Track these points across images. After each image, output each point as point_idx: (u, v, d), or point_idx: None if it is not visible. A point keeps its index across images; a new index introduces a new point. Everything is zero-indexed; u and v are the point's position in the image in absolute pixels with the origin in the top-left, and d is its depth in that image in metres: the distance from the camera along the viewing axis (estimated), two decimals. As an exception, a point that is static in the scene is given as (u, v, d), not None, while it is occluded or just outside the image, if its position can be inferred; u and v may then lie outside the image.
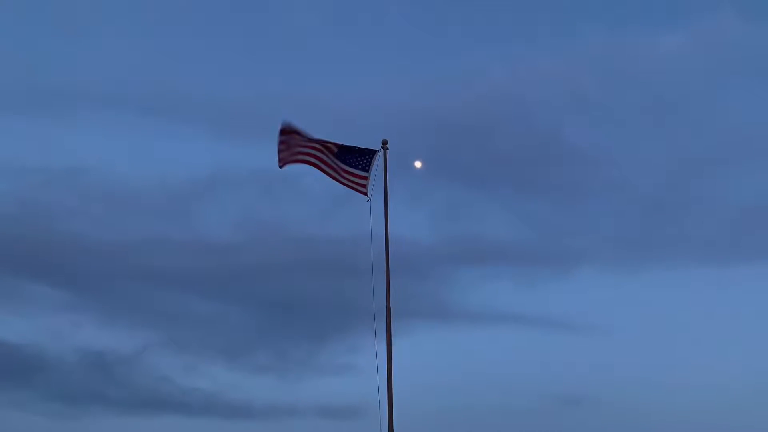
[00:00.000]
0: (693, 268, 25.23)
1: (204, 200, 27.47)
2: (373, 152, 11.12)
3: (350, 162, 11.09)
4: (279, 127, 11.23)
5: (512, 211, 28.04)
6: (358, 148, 11.18)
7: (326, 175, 11.29)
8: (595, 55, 29.38)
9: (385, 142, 11.18)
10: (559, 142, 28.40)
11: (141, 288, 25.74)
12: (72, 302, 25.55)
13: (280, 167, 11.36)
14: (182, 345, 25.15)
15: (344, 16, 32.59)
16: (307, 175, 12.33)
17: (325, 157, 11.21)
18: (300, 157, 11.32)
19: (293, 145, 11.25)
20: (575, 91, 29.30)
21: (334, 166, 11.15)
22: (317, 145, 11.22)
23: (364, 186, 11.00)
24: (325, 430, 23.85)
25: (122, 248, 25.79)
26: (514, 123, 28.60)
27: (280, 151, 11.24)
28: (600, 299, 24.86)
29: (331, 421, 23.08)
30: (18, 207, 25.14)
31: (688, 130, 29.12)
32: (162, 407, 23.70)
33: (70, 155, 27.13)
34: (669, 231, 27.61)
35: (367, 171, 11.01)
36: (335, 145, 11.18)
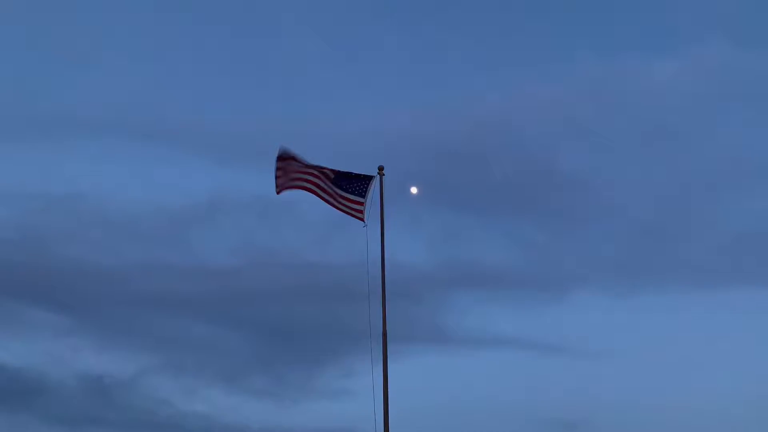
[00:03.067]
0: (688, 293, 25.41)
1: (202, 225, 27.68)
2: (369, 178, 11.29)
3: (347, 188, 11.26)
4: (276, 154, 11.43)
5: (509, 236, 28.23)
6: (355, 174, 11.36)
7: (323, 201, 11.46)
8: (590, 81, 29.79)
9: (381, 168, 11.35)
10: (555, 168, 28.68)
11: (139, 312, 25.79)
12: (71, 327, 25.56)
13: (278, 193, 11.53)
14: (180, 369, 25.28)
15: (343, 44, 33.07)
16: (305, 201, 12.51)
17: (321, 183, 11.39)
18: (297, 183, 11.50)
19: (290, 171, 11.43)
20: (571, 118, 29.63)
21: (331, 191, 11.33)
22: (314, 171, 11.40)
23: (361, 212, 11.16)
24: (322, 455, 23.90)
25: (121, 273, 25.93)
26: (511, 149, 28.89)
27: (277, 177, 11.42)
28: (596, 323, 25.01)
29: (328, 445, 23.10)
30: (18, 233, 25.40)
31: (683, 156, 29.47)
32: (160, 430, 23.75)
33: (69, 181, 27.44)
34: (665, 256, 27.83)
35: (363, 197, 11.18)
36: (332, 171, 11.36)
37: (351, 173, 11.37)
